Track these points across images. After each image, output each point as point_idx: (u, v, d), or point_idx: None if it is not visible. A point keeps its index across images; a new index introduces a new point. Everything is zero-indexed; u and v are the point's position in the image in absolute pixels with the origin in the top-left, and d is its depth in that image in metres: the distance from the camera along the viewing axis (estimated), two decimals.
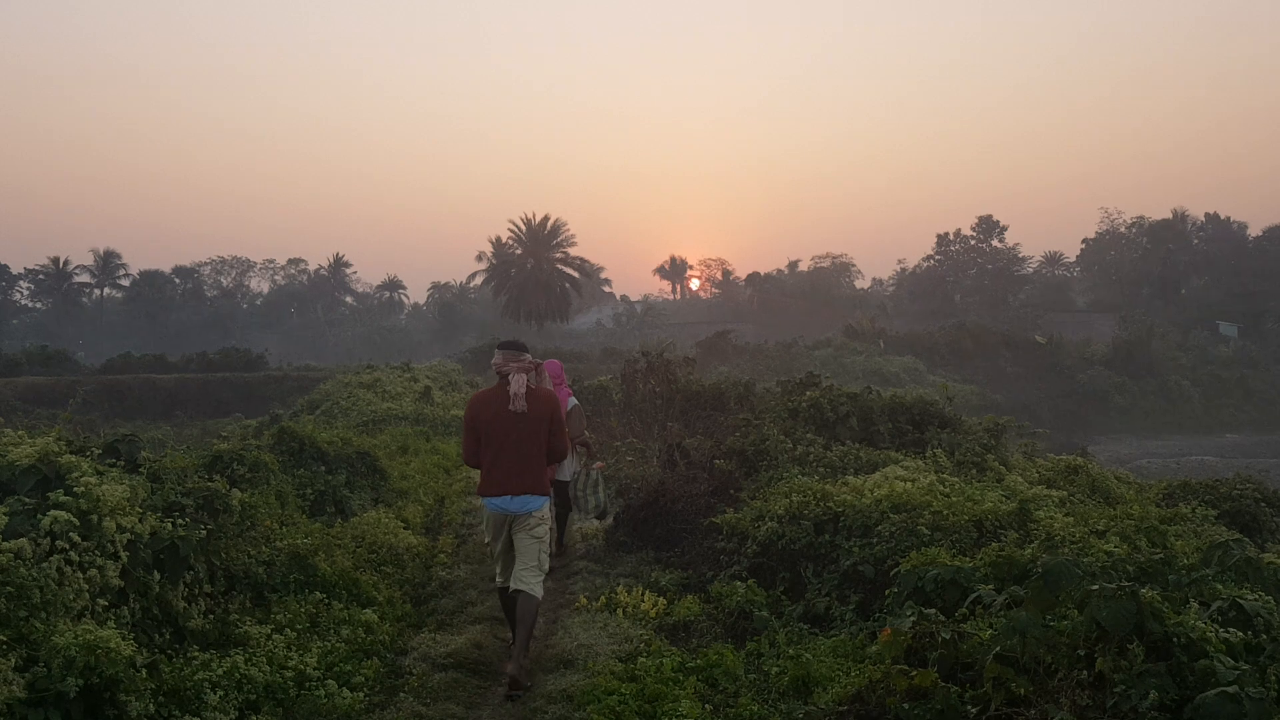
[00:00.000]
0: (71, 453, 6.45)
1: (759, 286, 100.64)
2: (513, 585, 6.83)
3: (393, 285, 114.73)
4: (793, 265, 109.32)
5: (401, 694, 6.37)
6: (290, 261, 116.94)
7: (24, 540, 5.18)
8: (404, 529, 10.51)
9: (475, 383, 35.34)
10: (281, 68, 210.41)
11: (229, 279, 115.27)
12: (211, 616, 6.71)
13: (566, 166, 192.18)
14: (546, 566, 7.02)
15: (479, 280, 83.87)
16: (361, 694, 6.30)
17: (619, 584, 8.80)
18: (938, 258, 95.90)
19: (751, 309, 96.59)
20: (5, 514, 5.29)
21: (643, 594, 8.33)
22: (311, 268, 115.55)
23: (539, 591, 6.85)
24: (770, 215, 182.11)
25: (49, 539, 5.34)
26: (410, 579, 9.18)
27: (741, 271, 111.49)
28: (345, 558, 8.54)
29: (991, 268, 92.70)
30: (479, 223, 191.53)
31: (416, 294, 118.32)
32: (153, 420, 34.12)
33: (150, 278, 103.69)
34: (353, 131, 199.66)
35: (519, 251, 75.40)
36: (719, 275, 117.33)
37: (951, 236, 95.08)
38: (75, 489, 5.77)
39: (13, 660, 4.61)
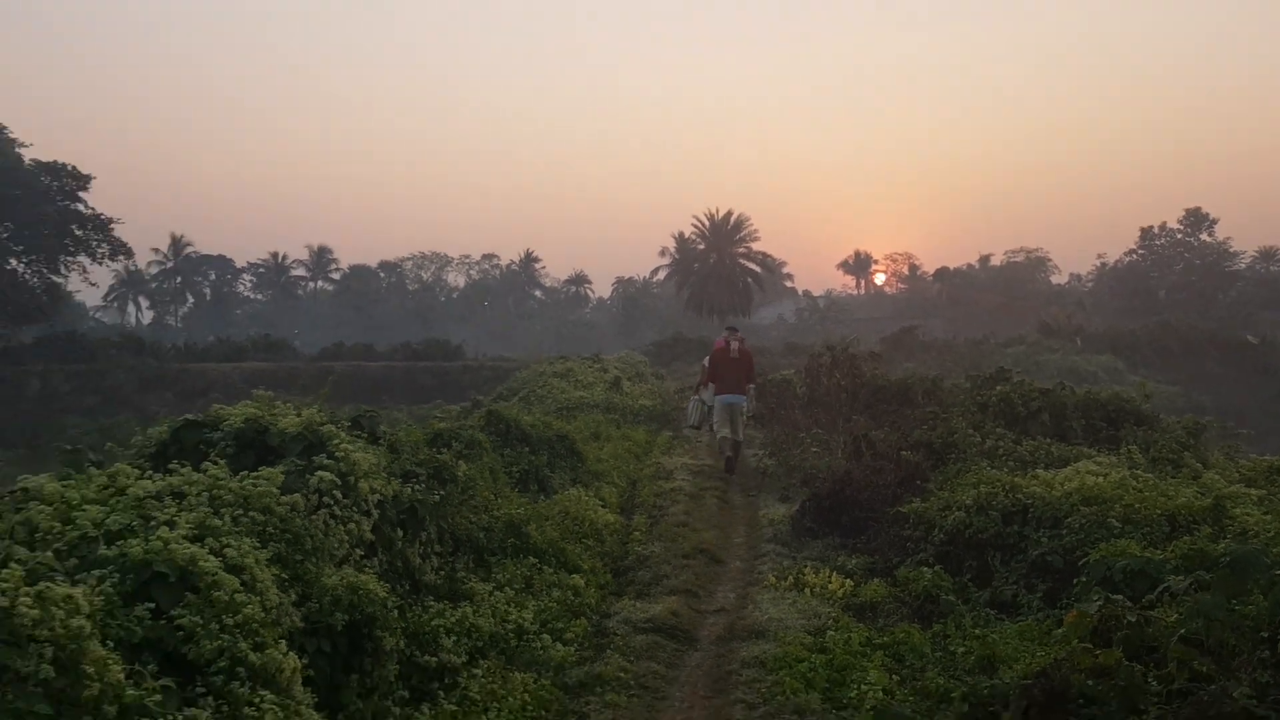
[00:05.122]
0: (329, 424, 7.34)
1: (948, 281, 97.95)
2: (732, 437, 14.88)
3: (579, 280, 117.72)
4: (984, 260, 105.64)
5: (608, 651, 6.99)
6: (484, 257, 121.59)
7: (297, 496, 6.04)
8: (601, 507, 11.20)
9: (660, 374, 36.17)
10: (477, 73, 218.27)
11: (428, 273, 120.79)
12: (442, 573, 7.52)
13: (751, 162, 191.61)
14: (745, 427, 15.35)
15: (662, 275, 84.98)
16: (572, 648, 6.97)
17: (806, 566, 9.19)
18: (1141, 252, 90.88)
19: (940, 305, 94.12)
20: (282, 473, 6.17)
21: (830, 575, 8.71)
22: (503, 263, 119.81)
23: (741, 438, 15.15)
24: (961, 208, 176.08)
25: (317, 495, 6.19)
26: (609, 552, 9.85)
27: (929, 266, 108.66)
28: (553, 529, 9.27)
29: (1200, 263, 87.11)
30: (663, 219, 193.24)
31: (601, 288, 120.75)
32: (362, 404, 36.41)
33: (358, 272, 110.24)
34: (544, 132, 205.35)
35: (702, 247, 76.02)
36: (905, 270, 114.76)
37: (1157, 230, 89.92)
38: (336, 454, 6.63)
39: (292, 595, 5.42)
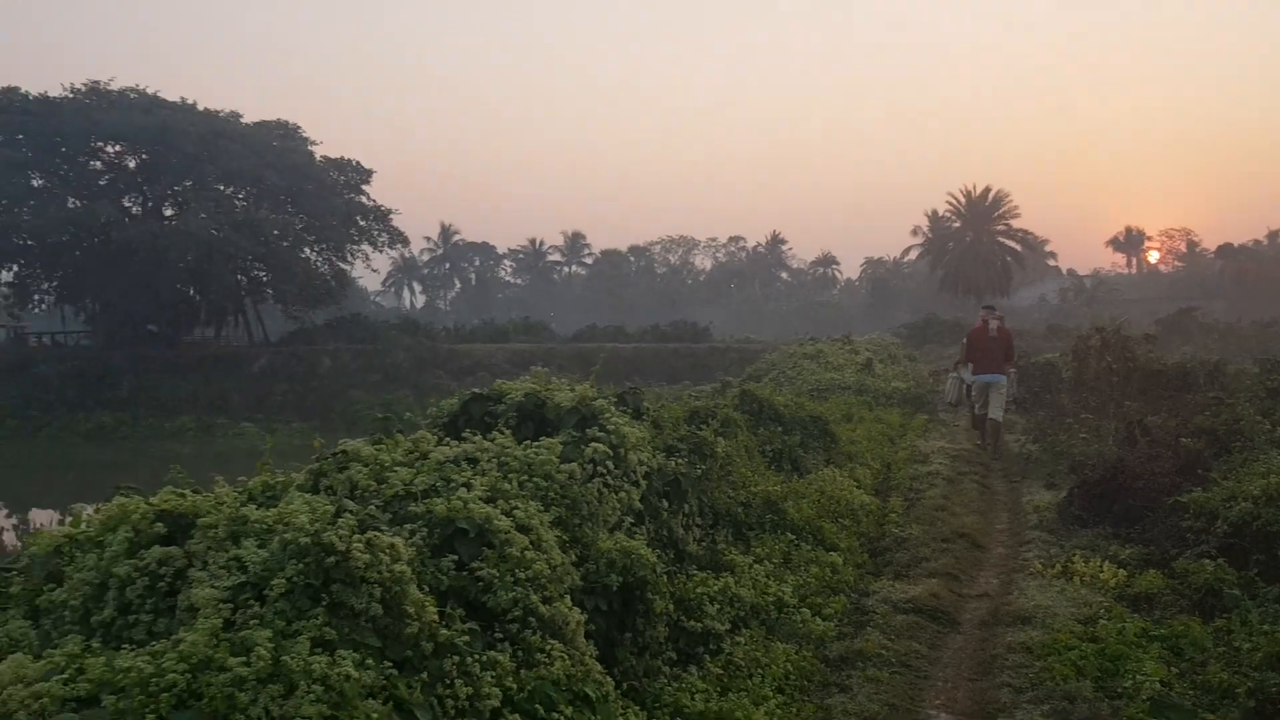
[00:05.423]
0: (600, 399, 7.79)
1: (1232, 259, 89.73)
2: (990, 415, 14.92)
3: (826, 261, 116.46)
4: (1274, 235, 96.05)
5: (868, 629, 7.05)
6: (731, 239, 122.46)
7: (574, 465, 6.47)
8: (856, 488, 11.20)
9: (913, 356, 35.34)
10: (724, 56, 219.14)
11: (676, 257, 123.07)
12: (703, 544, 7.82)
13: (1010, 135, 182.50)
14: (1004, 407, 15.04)
15: (914, 255, 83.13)
16: (832, 624, 7.09)
17: (1075, 554, 8.88)
18: None
19: (1222, 284, 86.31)
20: (560, 443, 6.63)
21: (1101, 565, 8.38)
22: (750, 245, 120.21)
23: (1001, 418, 14.94)
24: (1247, 179, 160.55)
25: (591, 465, 6.61)
26: (865, 532, 9.86)
27: (1210, 242, 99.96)
28: (809, 507, 9.39)
29: None
30: (914, 197, 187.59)
31: (849, 269, 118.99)
32: (616, 384, 37.68)
33: (609, 256, 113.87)
34: (791, 112, 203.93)
35: (957, 225, 73.64)
36: (1182, 247, 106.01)
37: None
38: (607, 427, 7.05)
39: (571, 556, 5.84)
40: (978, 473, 13.48)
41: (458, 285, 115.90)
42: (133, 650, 3.71)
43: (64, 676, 3.57)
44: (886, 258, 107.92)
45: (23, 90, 48.69)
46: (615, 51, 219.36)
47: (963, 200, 72.79)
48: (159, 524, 4.48)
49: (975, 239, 71.48)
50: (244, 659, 3.60)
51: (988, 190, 72.16)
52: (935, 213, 76.40)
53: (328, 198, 52.78)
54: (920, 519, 10.45)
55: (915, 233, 79.94)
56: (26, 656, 3.75)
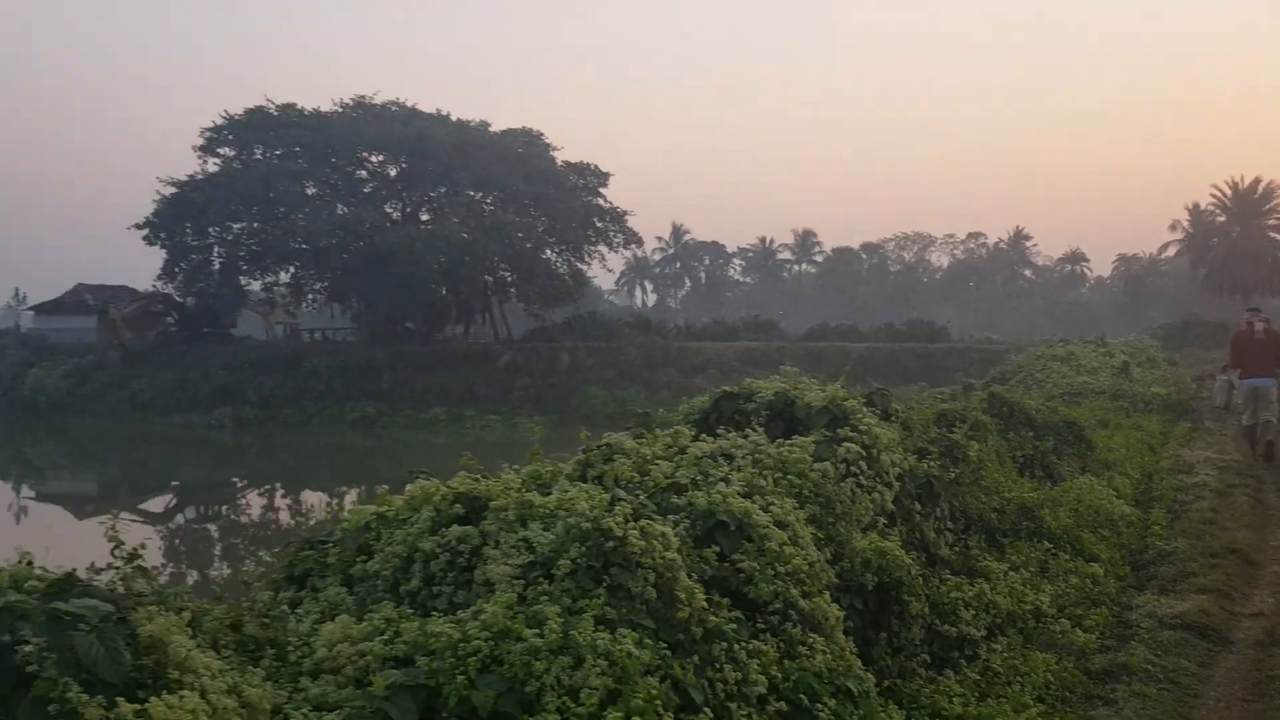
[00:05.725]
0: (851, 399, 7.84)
1: None
2: (1261, 419, 14.25)
3: (1074, 258, 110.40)
4: None
5: (1132, 643, 6.78)
6: (970, 235, 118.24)
7: (827, 464, 6.56)
8: (1115, 498, 10.71)
9: (1173, 360, 33.07)
10: (963, 40, 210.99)
11: (910, 254, 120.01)
12: (955, 549, 7.72)
13: None
14: (1276, 414, 14.24)
15: (1172, 251, 77.78)
16: (1093, 636, 6.85)
17: None
18: None
19: None
20: (813, 443, 6.74)
21: None
22: (990, 241, 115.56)
23: (1275, 419, 14.14)
24: None
25: (844, 465, 6.68)
26: (1126, 544, 9.42)
27: None
28: (1066, 515, 9.08)
29: None
30: (1171, 190, 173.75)
31: (1100, 267, 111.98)
32: (850, 384, 37.21)
33: (841, 254, 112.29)
34: (1035, 100, 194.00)
35: (1222, 219, 68.42)
36: None
37: None
38: (859, 427, 7.09)
39: (827, 554, 5.94)
40: (1249, 485, 12.58)
41: (688, 284, 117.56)
42: (440, 618, 4.11)
43: (384, 638, 4.01)
44: (1142, 254, 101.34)
45: (299, 106, 53.43)
46: (842, 50, 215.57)
47: (1229, 193, 67.50)
48: (457, 505, 4.93)
49: (1243, 234, 66.12)
50: (538, 631, 3.92)
51: (1257, 181, 66.67)
52: (1197, 206, 71.45)
53: (568, 201, 54.82)
54: (1186, 532, 9.90)
55: (1174, 228, 74.91)
56: (350, 619, 4.23)
